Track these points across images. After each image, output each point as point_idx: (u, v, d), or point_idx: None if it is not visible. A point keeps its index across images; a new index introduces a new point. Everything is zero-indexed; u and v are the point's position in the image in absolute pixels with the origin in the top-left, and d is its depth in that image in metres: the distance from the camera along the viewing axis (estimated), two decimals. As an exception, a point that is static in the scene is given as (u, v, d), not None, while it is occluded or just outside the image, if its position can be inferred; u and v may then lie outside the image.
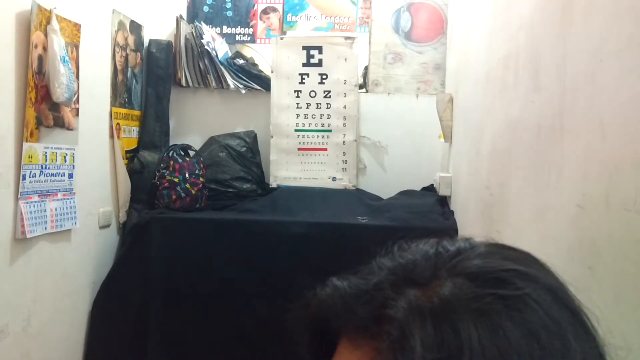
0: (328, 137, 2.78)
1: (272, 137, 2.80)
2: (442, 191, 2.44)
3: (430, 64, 2.82)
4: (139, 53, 2.69)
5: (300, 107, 2.78)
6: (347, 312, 0.41)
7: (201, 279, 2.33)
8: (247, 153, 2.77)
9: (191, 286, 2.33)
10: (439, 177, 2.46)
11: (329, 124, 2.78)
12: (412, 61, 2.83)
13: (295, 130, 2.79)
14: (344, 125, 2.77)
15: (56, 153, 1.99)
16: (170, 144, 2.74)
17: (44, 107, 1.89)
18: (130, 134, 2.64)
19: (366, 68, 2.86)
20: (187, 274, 2.34)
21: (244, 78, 2.84)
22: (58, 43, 1.88)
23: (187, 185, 2.52)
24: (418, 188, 2.74)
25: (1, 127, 1.71)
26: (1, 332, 1.75)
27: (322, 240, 2.29)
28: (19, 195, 1.79)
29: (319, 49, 2.78)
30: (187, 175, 2.53)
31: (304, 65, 2.79)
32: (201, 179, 2.57)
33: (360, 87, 2.84)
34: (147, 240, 2.37)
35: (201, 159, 2.65)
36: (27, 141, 1.81)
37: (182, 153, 2.63)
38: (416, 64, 2.83)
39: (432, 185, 2.68)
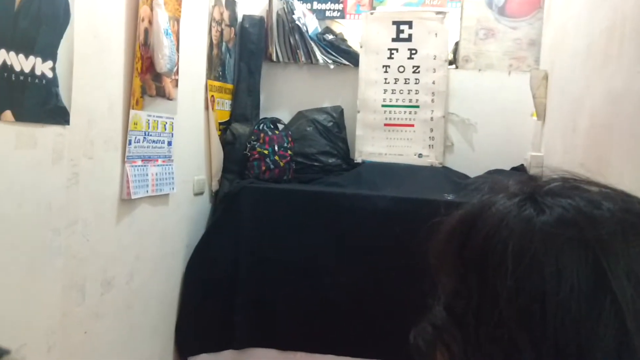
0: (415, 113, 2.77)
1: (358, 112, 2.83)
2: (533, 171, 2.38)
3: (524, 39, 2.73)
4: (233, 28, 2.79)
5: (388, 83, 2.79)
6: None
7: (287, 247, 2.42)
8: (334, 128, 2.81)
9: (277, 253, 2.42)
10: (530, 156, 2.40)
11: (417, 100, 2.77)
12: (505, 37, 2.75)
13: (382, 106, 2.80)
14: (432, 101, 2.75)
15: (157, 121, 2.12)
16: (261, 117, 2.83)
17: (148, 77, 2.02)
18: (224, 106, 2.75)
19: (457, 44, 2.82)
20: (274, 242, 2.43)
21: (333, 53, 2.88)
22: (162, 17, 1.99)
23: (276, 157, 2.61)
24: (507, 168, 2.68)
25: (112, 94, 1.84)
26: (109, 283, 1.91)
27: (406, 215, 2.31)
28: (125, 159, 1.93)
29: (409, 24, 2.76)
30: (276, 148, 2.62)
31: (393, 40, 2.78)
32: (289, 152, 2.65)
33: (450, 63, 2.80)
34: (237, 208, 2.48)
35: (289, 132, 2.72)
36: (133, 108, 1.94)
37: (272, 126, 2.71)
38: (509, 39, 2.75)
39: (522, 165, 2.62)
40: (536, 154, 2.39)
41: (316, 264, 2.39)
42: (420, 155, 2.77)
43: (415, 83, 2.76)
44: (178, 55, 2.19)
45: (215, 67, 2.64)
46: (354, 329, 2.35)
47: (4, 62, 1.36)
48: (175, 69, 2.15)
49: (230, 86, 2.81)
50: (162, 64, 2.01)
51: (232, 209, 2.49)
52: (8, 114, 1.39)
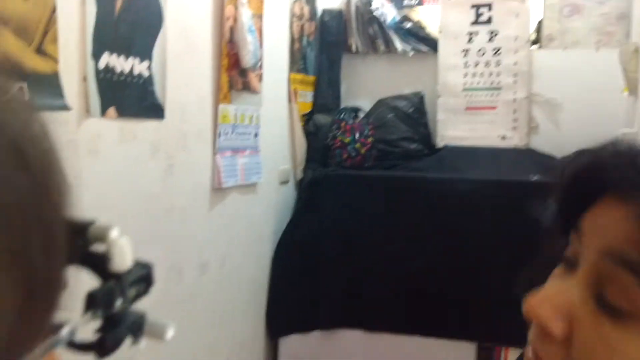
0: (498, 95, 2.73)
1: (439, 97, 2.83)
2: (624, 149, 2.28)
3: (612, 14, 2.61)
4: (313, 22, 2.87)
5: (469, 66, 2.77)
6: (627, 167, 0.44)
7: (370, 232, 2.48)
8: (414, 114, 2.83)
9: (361, 238, 2.48)
10: (622, 133, 2.30)
11: (499, 82, 2.72)
12: (592, 12, 2.64)
13: (463, 90, 2.78)
14: (515, 82, 2.70)
15: (244, 114, 2.24)
16: (342, 107, 2.90)
17: (235, 73, 2.14)
18: (306, 98, 2.85)
19: (539, 23, 2.74)
20: (358, 227, 2.49)
21: (411, 41, 2.89)
22: (246, 14, 2.10)
23: (357, 145, 2.67)
24: (596, 147, 2.58)
25: (202, 90, 1.98)
26: (204, 266, 2.05)
27: (491, 197, 2.30)
28: (215, 150, 2.07)
29: (489, 6, 2.72)
30: (357, 136, 2.68)
31: (472, 23, 2.75)
32: (370, 139, 2.70)
33: (533, 42, 2.73)
34: (321, 195, 2.56)
35: (370, 120, 2.77)
36: (221, 102, 2.06)
37: (353, 115, 2.78)
38: (596, 15, 2.64)
39: (612, 144, 2.51)
40: (629, 130, 2.29)
41: (399, 247, 2.43)
42: (503, 138, 2.73)
43: (497, 65, 2.72)
44: (261, 51, 2.30)
45: (297, 61, 2.74)
46: (439, 311, 2.37)
47: (107, 64, 1.51)
48: (259, 64, 2.27)
49: (311, 78, 2.90)
50: (247, 59, 2.12)
51: (315, 196, 2.58)
52: (112, 110, 1.55)
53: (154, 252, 1.76)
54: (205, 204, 2.06)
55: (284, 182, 2.68)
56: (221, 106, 2.07)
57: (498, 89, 2.73)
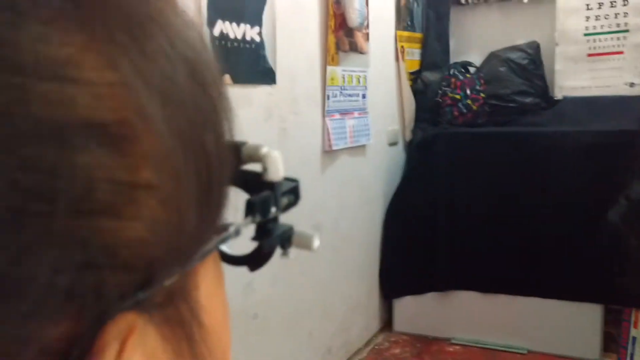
0: (625, 38, 2.50)
1: (557, 45, 2.64)
2: None
3: None
4: (417, -24, 2.77)
5: (591, 9, 2.55)
6: None
7: (484, 191, 2.39)
8: (529, 65, 2.66)
9: (475, 197, 2.41)
10: None
11: (626, 24, 2.49)
12: None
13: (585, 35, 2.57)
14: (645, 23, 2.45)
15: (352, 75, 2.22)
16: (451, 63, 2.80)
17: (341, 34, 2.12)
18: (413, 56, 2.77)
19: (674, -46, 2.46)
20: (470, 187, 2.42)
21: (525, -14, 2.71)
22: (350, -27, 2.07)
23: (469, 102, 2.57)
24: None
25: (310, 52, 1.98)
26: (316, 228, 2.09)
27: (616, 148, 2.13)
28: (325, 113, 2.08)
29: (613, -60, 2.48)
30: (468, 92, 2.58)
31: (594, -39, 2.52)
32: (482, 95, 2.59)
33: (667, -23, 2.46)
34: (432, 155, 2.51)
35: (481, 74, 2.65)
36: (329, 65, 2.06)
37: (463, 70, 2.67)
38: None
39: None
40: None
41: (515, 206, 2.33)
42: (632, 85, 2.50)
43: (624, 5, 2.48)
44: (367, 9, 2.26)
45: (404, 18, 2.66)
46: (558, 271, 2.26)
47: (221, 31, 1.55)
48: (365, 23, 2.23)
49: (419, 35, 2.81)
50: (353, 18, 2.09)
51: (426, 157, 2.53)
52: (227, 77, 1.59)
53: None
54: (317, 166, 2.08)
55: (393, 144, 2.65)
56: (329, 68, 2.06)
57: (625, 31, 2.49)
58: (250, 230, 0.30)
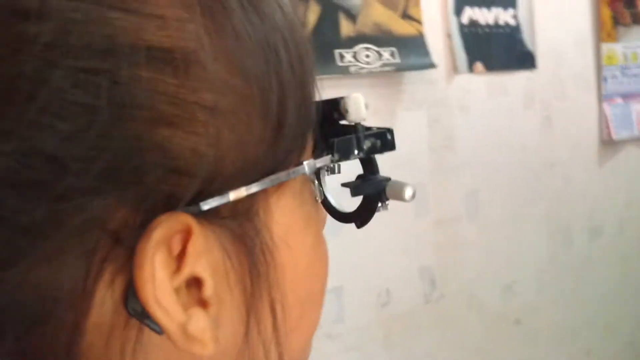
0: None
1: None
2: None
3: None
4: None
5: None
6: None
7: None
8: None
9: None
10: None
11: None
12: None
13: None
14: None
15: (636, 52, 1.90)
16: None
17: (619, 5, 1.84)
18: None
19: None
20: None
21: None
22: None
23: None
24: None
25: (578, 30, 1.76)
26: (595, 230, 1.83)
27: None
28: (601, 98, 1.82)
29: None
30: None
31: None
32: None
33: None
34: None
35: None
36: (604, 41, 1.80)
37: None
38: None
39: None
40: None
41: None
42: None
43: None
44: (654, -27, 1.91)
45: None
46: None
47: (470, 18, 1.49)
48: (652, -11, 1.89)
49: None
50: (634, -15, 1.80)
51: None
52: (479, 65, 1.52)
53: (534, 210, 1.66)
54: (593, 159, 1.83)
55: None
56: (605, 45, 1.80)
57: None
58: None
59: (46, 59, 0.20)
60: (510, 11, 1.57)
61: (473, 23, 1.50)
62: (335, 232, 0.33)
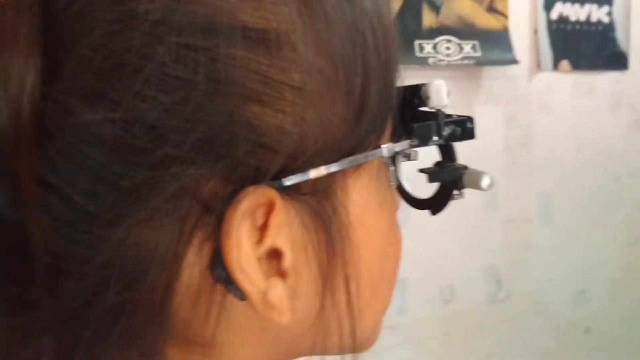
0: None
1: None
2: None
3: None
4: None
5: None
6: None
7: None
8: None
9: None
10: None
11: None
12: None
13: None
14: None
15: None
16: None
17: None
18: None
19: None
20: None
21: None
22: None
23: None
24: None
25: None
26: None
27: None
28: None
29: None
30: None
31: None
32: None
33: None
34: None
35: None
36: None
37: None
38: None
39: None
40: None
41: None
42: None
43: None
44: None
45: None
46: None
47: (560, 14, 1.43)
48: None
49: None
50: None
51: None
52: (565, 63, 1.46)
53: (613, 217, 1.59)
54: None
55: None
56: None
57: None
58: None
59: (153, 34, 0.22)
60: (605, 8, 1.50)
61: (562, 19, 1.44)
62: (402, 224, 0.33)
